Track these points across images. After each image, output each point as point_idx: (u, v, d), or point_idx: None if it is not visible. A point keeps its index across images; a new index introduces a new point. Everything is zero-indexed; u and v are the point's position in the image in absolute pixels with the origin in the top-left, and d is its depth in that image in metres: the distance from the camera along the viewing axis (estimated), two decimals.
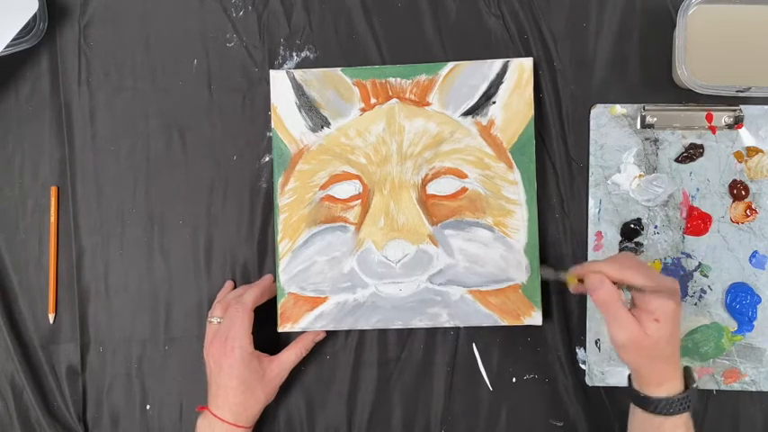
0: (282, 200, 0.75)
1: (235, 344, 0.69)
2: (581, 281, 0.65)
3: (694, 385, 0.63)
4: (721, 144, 0.73)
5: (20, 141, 0.79)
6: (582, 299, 0.75)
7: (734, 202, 0.73)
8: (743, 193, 0.73)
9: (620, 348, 0.62)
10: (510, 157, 0.74)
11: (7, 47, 0.74)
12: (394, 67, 0.75)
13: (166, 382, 0.78)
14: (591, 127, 0.74)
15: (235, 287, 0.76)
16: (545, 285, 0.74)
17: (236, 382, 0.69)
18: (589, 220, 0.75)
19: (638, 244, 0.74)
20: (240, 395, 0.69)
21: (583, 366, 0.75)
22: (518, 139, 0.73)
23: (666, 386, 0.62)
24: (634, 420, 0.65)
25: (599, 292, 0.62)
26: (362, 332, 0.76)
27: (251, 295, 0.72)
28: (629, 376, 0.65)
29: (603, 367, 0.74)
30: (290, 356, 0.73)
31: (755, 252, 0.73)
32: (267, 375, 0.71)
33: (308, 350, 0.74)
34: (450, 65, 0.74)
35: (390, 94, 0.74)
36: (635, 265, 0.63)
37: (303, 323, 0.74)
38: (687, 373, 0.64)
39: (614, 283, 0.62)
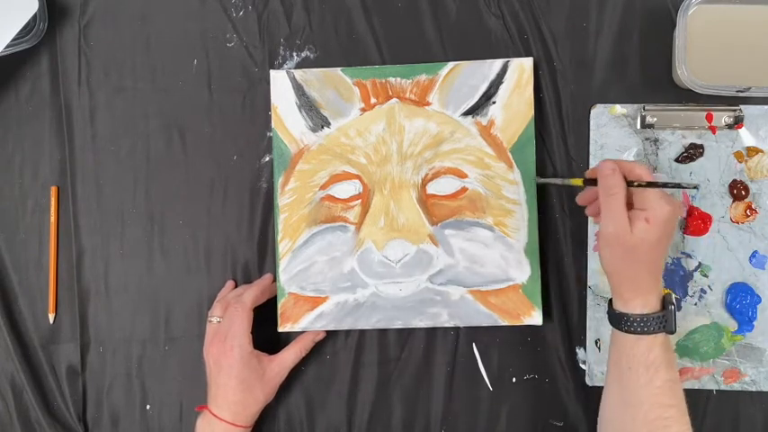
0: (282, 200, 0.75)
1: (234, 343, 0.70)
2: (588, 183, 0.65)
3: (671, 307, 0.62)
4: (721, 144, 0.73)
5: (20, 141, 0.79)
6: (581, 299, 0.75)
7: (734, 202, 0.73)
8: (743, 193, 0.73)
9: (603, 244, 0.62)
10: (510, 156, 0.74)
11: (7, 47, 0.74)
12: (394, 67, 0.75)
13: (166, 382, 0.78)
14: (591, 127, 0.74)
15: (236, 287, 0.76)
16: (545, 285, 0.74)
17: (235, 381, 0.69)
18: (589, 220, 0.75)
19: None
20: (239, 394, 0.69)
21: (583, 366, 0.75)
22: (518, 139, 0.73)
23: (642, 301, 0.62)
24: (612, 348, 0.64)
25: (609, 178, 0.61)
26: (362, 332, 0.76)
27: (250, 295, 0.72)
28: (610, 301, 0.65)
29: (603, 367, 0.74)
30: (289, 356, 0.73)
31: (755, 252, 0.73)
32: (267, 375, 0.71)
33: (308, 350, 0.74)
34: (451, 65, 0.74)
35: (390, 93, 0.74)
36: (647, 168, 0.63)
37: (303, 323, 0.74)
38: (666, 299, 0.63)
39: None
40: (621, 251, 0.61)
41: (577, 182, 0.68)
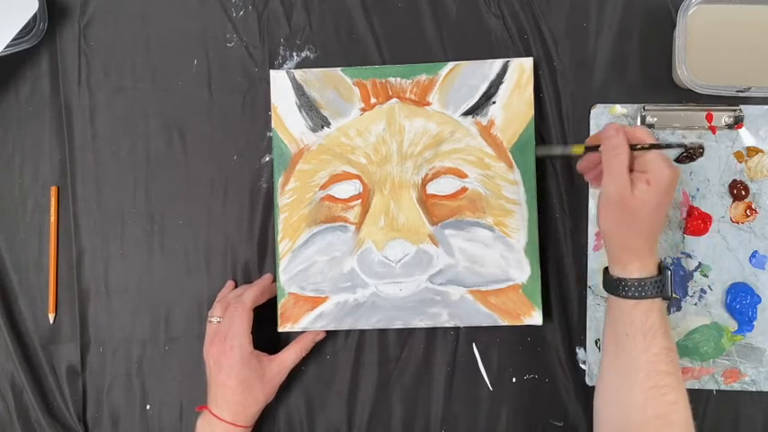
0: (282, 200, 0.75)
1: (234, 343, 0.70)
2: (589, 149, 0.65)
3: (668, 271, 0.62)
4: (721, 144, 0.73)
5: (20, 141, 0.79)
6: (581, 299, 0.75)
7: (734, 202, 0.73)
8: (743, 193, 0.73)
9: (604, 205, 0.62)
10: (510, 156, 0.74)
11: (7, 47, 0.74)
12: (394, 66, 0.75)
13: (166, 382, 0.78)
14: (591, 127, 0.74)
15: (236, 287, 0.76)
16: (545, 285, 0.74)
17: (235, 381, 0.69)
18: (589, 220, 0.75)
19: None
20: (239, 394, 0.69)
21: (583, 366, 0.75)
22: (518, 139, 0.73)
23: (640, 265, 0.62)
24: (608, 317, 0.64)
25: (612, 138, 0.61)
26: (362, 332, 0.76)
27: (250, 295, 0.72)
28: (605, 269, 0.64)
29: None
30: (289, 356, 0.73)
31: (755, 252, 0.73)
32: (267, 375, 0.71)
33: (308, 350, 0.74)
34: (451, 65, 0.74)
35: (390, 93, 0.74)
36: (649, 132, 0.63)
37: (303, 323, 0.74)
38: (662, 264, 0.63)
39: None
40: (621, 213, 0.61)
41: (578, 149, 0.67)
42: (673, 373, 0.61)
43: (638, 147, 0.62)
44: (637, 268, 0.62)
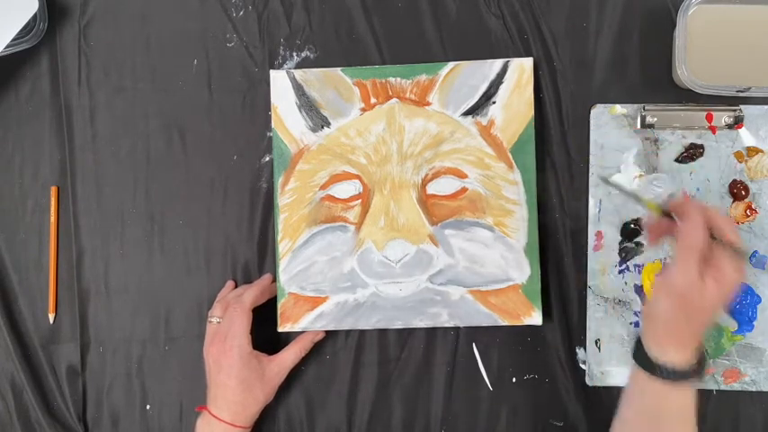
0: (283, 200, 0.75)
1: (234, 343, 0.70)
2: (666, 214, 0.62)
3: (706, 358, 0.61)
4: (721, 144, 0.73)
5: (20, 141, 0.79)
6: (581, 299, 0.75)
7: (734, 202, 0.73)
8: (743, 193, 0.73)
9: (665, 292, 0.59)
10: (510, 157, 0.74)
11: (7, 47, 0.74)
12: (394, 66, 0.75)
13: (166, 382, 0.78)
14: (591, 127, 0.74)
15: (236, 287, 0.76)
16: (545, 285, 0.74)
17: (234, 381, 0.69)
18: (589, 220, 0.75)
19: (639, 244, 0.74)
20: (239, 395, 0.69)
21: (583, 366, 0.75)
22: (518, 139, 0.73)
23: (682, 353, 0.59)
24: (634, 390, 0.62)
25: (694, 234, 0.57)
26: (362, 332, 0.76)
27: (250, 295, 0.72)
28: (638, 341, 0.62)
29: (603, 367, 0.74)
30: (289, 356, 0.73)
31: (755, 252, 0.73)
32: (266, 375, 0.71)
33: (308, 350, 0.74)
34: (451, 65, 0.74)
35: (390, 93, 0.74)
36: (732, 223, 0.61)
37: (303, 323, 0.74)
38: (699, 350, 0.61)
39: None
40: (682, 304, 0.58)
41: (653, 208, 0.63)
42: None
43: (715, 238, 0.59)
44: (682, 356, 0.59)
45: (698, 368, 0.60)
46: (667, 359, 0.59)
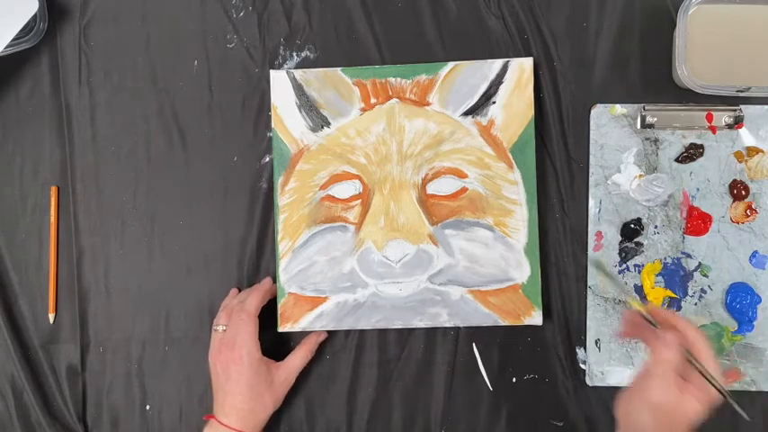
0: (283, 200, 0.75)
1: (243, 351, 0.69)
2: (645, 318, 0.62)
3: None
4: (721, 144, 0.73)
5: (20, 141, 0.79)
6: (581, 299, 0.75)
7: (734, 202, 0.73)
8: (743, 193, 0.73)
9: (646, 406, 0.58)
10: (510, 156, 0.74)
11: (7, 47, 0.74)
12: (394, 66, 0.75)
13: (166, 382, 0.78)
14: (591, 127, 0.74)
15: (239, 291, 0.76)
16: (545, 285, 0.74)
17: (244, 388, 0.69)
18: (589, 220, 0.75)
19: (638, 244, 0.74)
20: (249, 402, 0.69)
21: (583, 366, 0.75)
22: (518, 139, 0.73)
23: None
24: None
25: (668, 350, 0.58)
26: (362, 332, 0.76)
27: (253, 301, 0.72)
28: None
29: (603, 367, 0.74)
30: (295, 361, 0.73)
31: (756, 252, 0.73)
32: (275, 382, 0.71)
33: (314, 353, 0.74)
34: (451, 65, 0.74)
35: (390, 93, 0.74)
36: (707, 347, 0.60)
37: (303, 323, 0.74)
38: None
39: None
40: (664, 421, 0.58)
41: (635, 304, 0.64)
42: None
43: (692, 362, 0.59)
44: None
45: None
46: None
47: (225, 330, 0.71)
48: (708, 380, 0.59)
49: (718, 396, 0.59)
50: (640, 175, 0.74)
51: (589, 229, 0.75)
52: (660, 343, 0.60)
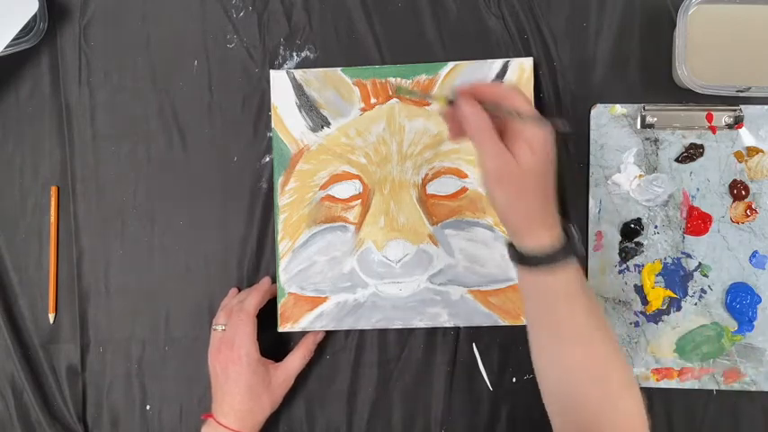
0: (283, 200, 0.75)
1: (241, 352, 0.69)
2: (450, 102, 0.59)
3: (572, 230, 0.59)
4: (721, 144, 0.73)
5: (20, 141, 0.79)
6: None
7: (734, 202, 0.73)
8: (743, 193, 0.73)
9: (490, 182, 0.57)
10: None
11: (7, 47, 0.74)
12: (394, 66, 0.75)
13: (166, 382, 0.78)
14: (591, 127, 0.74)
15: (239, 291, 0.76)
16: None
17: (243, 388, 0.69)
18: (589, 220, 0.75)
19: (639, 244, 0.74)
20: (247, 402, 0.69)
21: None
22: None
23: (545, 234, 0.58)
24: (523, 287, 0.61)
25: (472, 116, 0.56)
26: (362, 332, 0.76)
27: (252, 301, 0.72)
28: (510, 243, 0.60)
29: None
30: (294, 362, 0.73)
31: (756, 252, 0.73)
32: (273, 383, 0.71)
33: (312, 353, 0.74)
34: (451, 65, 0.74)
35: (390, 93, 0.74)
36: (517, 90, 0.59)
37: (303, 323, 0.74)
38: (565, 225, 0.60)
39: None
40: (513, 184, 0.57)
41: (441, 100, 0.60)
42: (599, 329, 0.59)
43: (506, 112, 0.57)
44: (544, 237, 0.58)
45: (568, 242, 0.58)
46: (534, 245, 0.58)
47: (224, 330, 0.71)
48: (519, 115, 0.57)
49: (546, 131, 0.57)
50: (640, 175, 0.74)
51: (589, 229, 0.75)
52: (461, 114, 0.57)
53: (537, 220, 0.58)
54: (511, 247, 0.60)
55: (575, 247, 0.59)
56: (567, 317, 0.59)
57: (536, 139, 0.56)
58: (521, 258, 0.59)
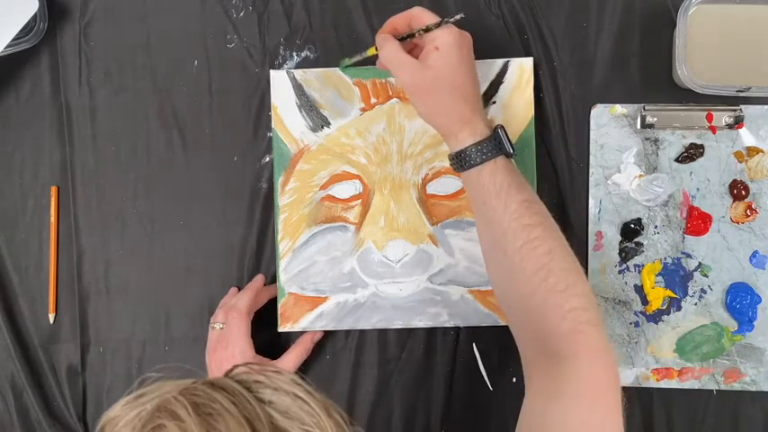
0: (283, 200, 0.75)
1: (236, 350, 0.70)
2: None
3: (499, 129, 0.62)
4: (721, 144, 0.73)
5: (20, 141, 0.79)
6: None
7: (734, 202, 0.73)
8: (743, 193, 0.73)
9: (410, 95, 0.63)
10: None
11: (7, 47, 0.74)
12: None
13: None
14: (591, 127, 0.74)
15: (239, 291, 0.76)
16: None
17: None
18: (589, 220, 0.75)
19: (639, 244, 0.74)
20: None
21: None
22: (518, 139, 0.73)
23: (470, 130, 0.62)
24: (467, 192, 0.65)
25: (383, 48, 0.63)
26: (362, 332, 0.76)
27: (244, 300, 0.72)
28: (450, 155, 0.64)
29: None
30: (290, 360, 0.73)
31: (756, 252, 0.73)
32: None
33: (309, 352, 0.74)
34: None
35: (390, 93, 0.74)
36: (425, 10, 0.64)
37: (304, 323, 0.74)
38: (493, 125, 0.63)
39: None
40: (427, 89, 0.62)
41: (372, 51, 0.69)
42: (539, 224, 0.60)
43: (416, 32, 0.63)
44: (469, 134, 0.62)
45: (494, 138, 0.61)
46: (462, 144, 0.62)
47: (221, 328, 0.71)
48: (426, 28, 0.63)
49: (451, 32, 0.62)
50: (640, 175, 0.74)
51: (589, 229, 0.75)
52: (379, 50, 0.64)
53: (457, 118, 0.62)
54: (449, 156, 0.64)
55: (501, 144, 0.62)
56: (502, 213, 0.60)
57: (442, 41, 0.61)
58: (453, 162, 0.63)
